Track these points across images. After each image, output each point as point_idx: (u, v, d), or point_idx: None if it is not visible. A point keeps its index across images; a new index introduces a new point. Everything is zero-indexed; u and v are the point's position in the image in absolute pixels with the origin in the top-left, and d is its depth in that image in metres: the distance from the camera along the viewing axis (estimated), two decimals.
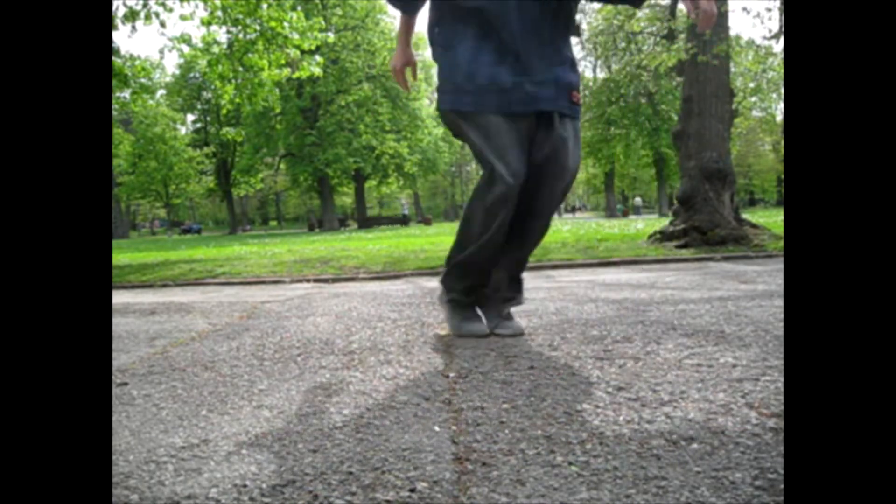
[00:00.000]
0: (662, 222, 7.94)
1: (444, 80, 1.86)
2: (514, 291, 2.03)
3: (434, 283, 3.79)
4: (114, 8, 6.46)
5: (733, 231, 5.35)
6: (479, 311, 2.05)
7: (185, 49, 7.56)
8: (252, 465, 1.00)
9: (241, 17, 6.52)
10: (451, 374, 1.51)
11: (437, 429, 1.13)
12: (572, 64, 1.87)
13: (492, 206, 1.79)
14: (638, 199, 40.16)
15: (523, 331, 2.00)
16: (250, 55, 6.74)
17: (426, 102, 34.60)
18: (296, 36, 6.73)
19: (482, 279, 1.99)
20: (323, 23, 7.06)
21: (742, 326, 1.92)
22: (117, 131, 35.75)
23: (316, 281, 4.42)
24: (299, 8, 7.20)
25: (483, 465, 0.96)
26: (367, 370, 1.60)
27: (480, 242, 1.87)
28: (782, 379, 1.33)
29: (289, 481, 0.93)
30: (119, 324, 2.63)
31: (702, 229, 5.43)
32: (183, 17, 6.70)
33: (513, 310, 2.17)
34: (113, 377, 1.65)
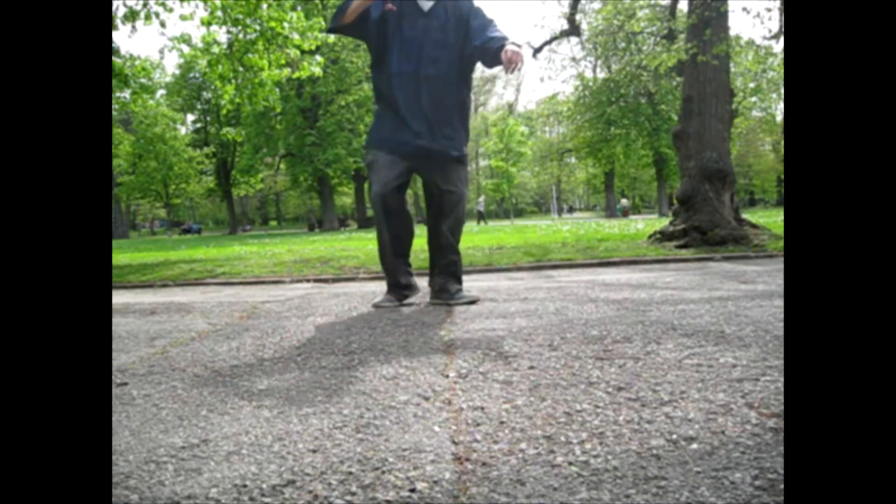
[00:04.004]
0: (662, 222, 7.93)
1: (370, 131, 2.89)
2: (447, 282, 2.87)
3: None
4: (114, 8, 6.46)
5: (733, 231, 5.35)
6: (391, 295, 2.86)
7: (185, 49, 7.55)
8: (252, 465, 1.00)
9: (241, 17, 6.51)
10: (451, 374, 1.51)
11: (437, 429, 1.13)
12: (457, 134, 2.79)
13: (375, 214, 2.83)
14: (624, 201, 40.39)
15: (453, 301, 2.77)
16: (250, 55, 6.73)
17: None
18: (296, 36, 6.72)
19: (392, 277, 2.89)
20: (323, 23, 7.04)
21: (742, 326, 1.92)
22: (117, 131, 35.69)
23: (316, 281, 4.42)
24: (299, 8, 7.20)
25: (483, 465, 0.96)
26: (367, 370, 1.60)
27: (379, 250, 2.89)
28: (782, 379, 1.33)
29: (289, 481, 0.93)
30: (119, 324, 2.63)
31: (702, 229, 5.43)
32: (183, 17, 6.69)
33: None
34: (113, 377, 1.65)
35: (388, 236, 2.82)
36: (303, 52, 7.00)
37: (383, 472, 0.95)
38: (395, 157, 2.73)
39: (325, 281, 4.42)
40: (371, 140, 2.81)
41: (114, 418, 1.29)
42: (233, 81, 6.90)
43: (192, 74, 39.47)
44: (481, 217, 31.06)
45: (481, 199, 32.39)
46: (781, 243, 5.10)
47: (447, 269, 2.88)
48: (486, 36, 2.68)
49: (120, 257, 8.24)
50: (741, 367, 1.44)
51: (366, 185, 36.46)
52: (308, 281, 4.43)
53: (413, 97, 2.68)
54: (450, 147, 2.75)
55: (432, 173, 2.79)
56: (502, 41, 2.62)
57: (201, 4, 6.65)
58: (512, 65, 2.55)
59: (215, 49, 7.08)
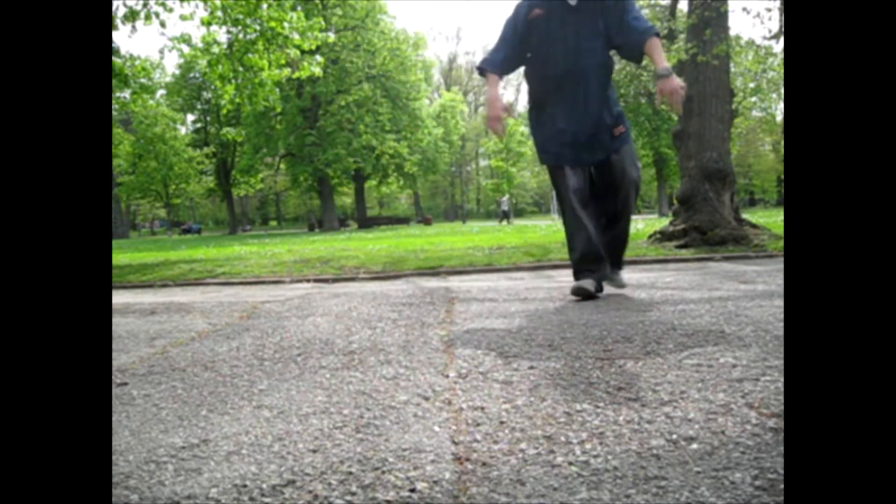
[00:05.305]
0: (662, 222, 7.93)
1: (537, 145, 2.89)
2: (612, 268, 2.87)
3: (433, 283, 3.79)
4: (114, 8, 6.46)
5: (733, 231, 5.34)
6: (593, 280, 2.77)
7: (185, 49, 7.54)
8: (252, 465, 1.00)
9: (241, 17, 6.51)
10: (451, 374, 1.51)
11: (437, 429, 1.13)
12: (614, 115, 2.76)
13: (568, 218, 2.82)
14: None
15: (623, 285, 2.93)
16: (250, 55, 6.73)
17: (426, 102, 34.57)
18: (296, 36, 6.72)
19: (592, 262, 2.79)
20: (323, 23, 7.05)
21: (742, 326, 1.92)
22: (117, 131, 35.70)
23: (316, 281, 4.42)
24: (299, 8, 7.20)
25: (483, 465, 0.96)
26: (367, 370, 1.60)
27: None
28: (782, 379, 1.33)
29: (289, 481, 0.93)
30: (119, 324, 2.63)
31: (702, 229, 5.43)
32: (183, 17, 6.69)
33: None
34: (113, 377, 1.65)
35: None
36: (303, 52, 7.00)
37: (383, 472, 0.95)
38: (576, 168, 2.76)
39: (325, 281, 4.42)
40: (546, 151, 2.81)
41: (114, 418, 1.29)
42: (233, 81, 6.90)
43: (192, 74, 39.48)
44: (505, 217, 30.73)
45: (504, 198, 32.04)
46: (781, 243, 5.10)
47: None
48: (628, 27, 2.66)
49: (120, 257, 8.24)
50: (741, 367, 1.44)
51: (367, 185, 36.59)
52: (308, 281, 4.43)
53: (575, 95, 2.69)
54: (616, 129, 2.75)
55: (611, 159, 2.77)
56: (642, 35, 2.62)
57: (201, 4, 6.65)
58: (671, 100, 2.52)
59: (215, 49, 7.08)
